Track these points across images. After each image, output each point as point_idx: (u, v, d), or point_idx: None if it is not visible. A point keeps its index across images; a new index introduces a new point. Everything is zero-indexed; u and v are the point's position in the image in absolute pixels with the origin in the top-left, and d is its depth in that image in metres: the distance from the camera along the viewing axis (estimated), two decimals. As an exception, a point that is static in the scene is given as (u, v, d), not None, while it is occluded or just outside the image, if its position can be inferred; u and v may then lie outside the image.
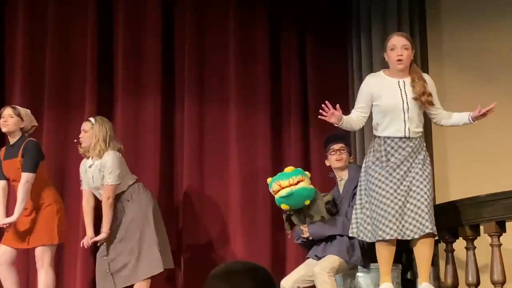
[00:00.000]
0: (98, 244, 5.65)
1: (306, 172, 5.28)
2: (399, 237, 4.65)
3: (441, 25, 6.40)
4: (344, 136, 5.54)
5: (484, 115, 4.80)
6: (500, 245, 4.82)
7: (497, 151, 6.08)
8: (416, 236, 4.65)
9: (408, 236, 4.65)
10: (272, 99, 6.54)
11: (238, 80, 6.51)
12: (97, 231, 5.68)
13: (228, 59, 6.55)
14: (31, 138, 5.65)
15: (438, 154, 6.17)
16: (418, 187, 4.66)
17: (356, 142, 6.22)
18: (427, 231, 4.62)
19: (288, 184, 5.15)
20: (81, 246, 5.69)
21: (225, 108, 6.51)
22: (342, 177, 5.33)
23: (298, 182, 5.15)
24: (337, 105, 4.73)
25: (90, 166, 5.64)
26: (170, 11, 6.64)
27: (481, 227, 5.02)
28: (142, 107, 6.49)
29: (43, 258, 5.54)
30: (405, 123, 4.70)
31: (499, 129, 6.09)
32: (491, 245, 4.83)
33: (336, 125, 4.80)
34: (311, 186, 5.19)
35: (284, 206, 5.21)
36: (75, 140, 5.78)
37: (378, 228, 4.67)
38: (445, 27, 6.38)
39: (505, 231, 4.86)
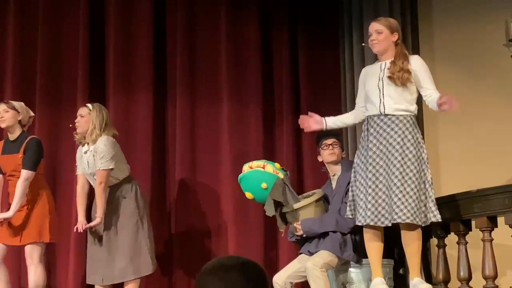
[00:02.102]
0: (93, 230, 5.61)
1: (277, 164, 5.35)
2: (372, 223, 4.66)
3: (432, 19, 6.41)
4: (336, 131, 5.55)
5: (447, 106, 4.63)
6: (491, 240, 4.83)
7: (488, 146, 6.09)
8: (390, 224, 4.63)
9: (382, 223, 4.64)
10: (264, 94, 6.54)
11: (230, 74, 6.51)
12: (89, 219, 5.64)
13: (220, 54, 6.54)
14: (33, 136, 5.65)
15: (430, 151, 6.15)
16: (391, 170, 4.64)
17: (348, 138, 6.22)
18: (399, 220, 4.59)
19: (248, 168, 5.28)
20: (75, 231, 5.63)
21: (217, 103, 6.50)
22: (335, 172, 5.32)
23: (258, 167, 5.24)
24: (309, 112, 5.06)
25: (85, 152, 5.62)
26: (161, 6, 6.62)
27: (473, 222, 5.03)
28: (134, 103, 6.48)
29: (32, 255, 5.52)
30: (380, 99, 4.73)
31: (490, 124, 6.10)
32: (483, 240, 4.84)
33: (323, 130, 5.05)
34: (274, 173, 5.22)
35: (248, 195, 5.27)
36: (70, 125, 5.75)
37: (358, 214, 4.72)
38: (436, 22, 6.40)
39: (496, 226, 4.87)
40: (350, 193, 4.86)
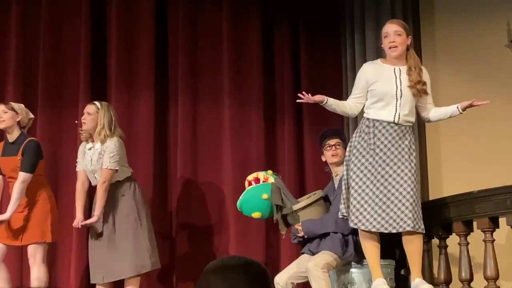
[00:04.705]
0: (88, 226, 5.61)
1: (269, 171, 5.41)
2: (382, 229, 4.66)
3: (434, 20, 6.40)
4: (339, 131, 5.56)
5: (472, 106, 4.80)
6: (493, 240, 4.83)
7: (490, 147, 6.08)
8: (394, 231, 4.65)
9: (392, 230, 4.64)
10: (266, 94, 6.55)
11: (232, 75, 6.51)
12: (88, 216, 5.66)
13: (222, 55, 6.54)
14: (32, 138, 5.64)
15: (432, 151, 6.17)
16: (402, 178, 4.65)
17: (349, 137, 6.21)
18: (408, 228, 4.62)
19: (247, 186, 5.33)
20: (73, 225, 5.66)
21: (219, 103, 6.51)
22: (338, 172, 5.31)
23: (253, 180, 5.28)
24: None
25: (89, 149, 5.62)
26: (163, 6, 6.63)
27: (474, 223, 5.03)
28: (136, 103, 6.48)
29: (35, 255, 5.52)
30: (396, 109, 4.72)
31: (491, 125, 6.10)
32: (484, 240, 4.84)
33: (321, 104, 4.87)
34: (266, 182, 5.26)
35: (255, 215, 5.29)
36: (76, 122, 5.75)
37: (354, 216, 4.70)
38: (438, 22, 6.39)
39: (498, 227, 4.87)
40: (343, 191, 4.85)
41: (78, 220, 5.59)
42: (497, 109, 6.07)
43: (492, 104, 6.13)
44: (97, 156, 5.55)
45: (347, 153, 4.88)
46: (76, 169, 5.74)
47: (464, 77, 6.24)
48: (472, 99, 4.80)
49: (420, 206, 4.74)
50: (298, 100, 4.99)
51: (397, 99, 4.72)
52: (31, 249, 5.54)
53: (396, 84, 4.73)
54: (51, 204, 5.60)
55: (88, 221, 5.55)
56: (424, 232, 4.72)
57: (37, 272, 5.52)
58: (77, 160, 5.73)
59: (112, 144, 5.52)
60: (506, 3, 6.14)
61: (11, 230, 5.53)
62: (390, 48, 4.75)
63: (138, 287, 5.61)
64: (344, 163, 4.89)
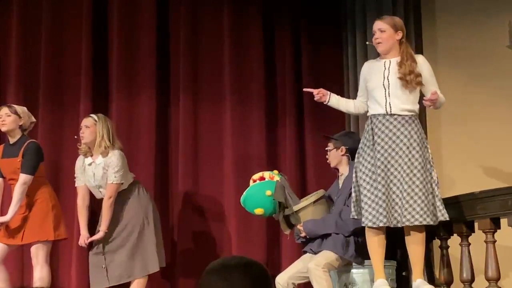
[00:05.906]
0: (94, 243, 5.64)
1: (275, 171, 5.43)
2: (381, 224, 4.62)
3: (435, 21, 6.41)
4: (334, 134, 5.47)
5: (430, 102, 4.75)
6: (494, 241, 4.82)
7: (491, 148, 6.08)
8: (399, 225, 4.63)
9: (395, 225, 4.63)
10: (267, 95, 6.55)
11: (233, 76, 6.52)
12: (90, 228, 5.68)
13: (223, 54, 6.55)
14: (33, 140, 5.64)
15: (433, 152, 6.14)
16: (399, 172, 4.62)
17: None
18: (398, 225, 4.61)
19: (251, 182, 5.35)
20: (79, 244, 5.69)
21: (220, 103, 6.51)
22: (342, 172, 5.31)
23: (258, 179, 5.30)
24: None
25: (90, 164, 5.62)
26: (164, 6, 6.63)
27: (476, 224, 5.03)
28: (137, 104, 6.48)
29: (38, 254, 5.52)
30: (386, 99, 4.70)
31: (493, 126, 6.10)
32: (486, 241, 4.83)
33: (325, 103, 4.97)
34: (272, 180, 5.27)
35: (257, 211, 5.29)
36: (75, 137, 5.75)
37: (364, 217, 4.69)
38: (440, 23, 6.39)
39: (499, 228, 4.86)
40: (353, 194, 4.84)
41: (84, 238, 5.61)
42: (498, 109, 6.08)
43: (494, 104, 6.15)
44: (101, 172, 5.54)
45: (356, 156, 4.86)
46: (76, 185, 5.73)
47: (466, 78, 6.24)
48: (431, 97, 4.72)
49: (434, 196, 4.65)
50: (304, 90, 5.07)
51: (385, 88, 4.71)
52: (33, 249, 5.54)
53: (384, 75, 4.73)
54: (52, 202, 5.60)
55: (95, 237, 5.58)
56: (424, 223, 4.61)
57: (40, 272, 5.52)
58: (75, 175, 5.72)
59: (115, 158, 5.52)
60: (507, 4, 6.14)
61: (11, 230, 5.53)
62: (376, 44, 4.81)
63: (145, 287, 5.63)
64: (354, 165, 4.88)
